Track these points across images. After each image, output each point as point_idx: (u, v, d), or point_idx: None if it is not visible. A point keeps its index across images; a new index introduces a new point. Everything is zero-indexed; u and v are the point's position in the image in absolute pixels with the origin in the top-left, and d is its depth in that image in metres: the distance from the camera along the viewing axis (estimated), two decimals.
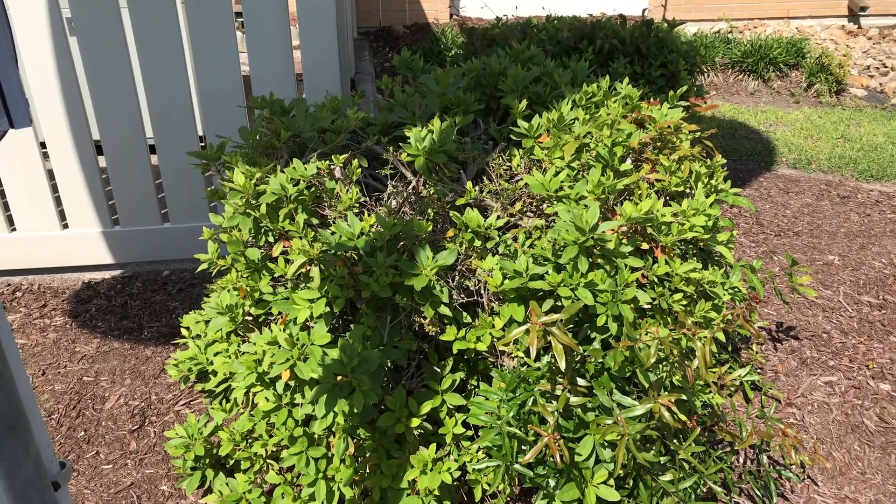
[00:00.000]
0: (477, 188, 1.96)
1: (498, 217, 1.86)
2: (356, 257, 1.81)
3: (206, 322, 2.27)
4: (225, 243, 1.93)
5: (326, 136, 2.17)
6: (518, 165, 2.07)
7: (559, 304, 1.67)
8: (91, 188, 3.08)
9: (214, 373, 2.14)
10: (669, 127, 2.05)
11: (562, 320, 1.52)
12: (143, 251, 3.30)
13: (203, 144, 3.40)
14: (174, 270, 3.32)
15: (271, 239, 1.90)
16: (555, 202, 1.81)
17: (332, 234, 1.78)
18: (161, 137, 3.00)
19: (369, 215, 1.84)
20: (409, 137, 2.09)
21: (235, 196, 1.83)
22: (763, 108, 5.83)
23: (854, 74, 6.62)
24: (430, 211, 1.90)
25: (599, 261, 1.68)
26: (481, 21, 7.35)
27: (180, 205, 3.17)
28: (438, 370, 1.90)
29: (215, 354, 2.16)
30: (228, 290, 1.94)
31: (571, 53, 3.35)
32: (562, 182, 1.85)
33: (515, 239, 1.85)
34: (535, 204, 2.00)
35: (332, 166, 1.98)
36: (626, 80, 2.48)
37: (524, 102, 2.22)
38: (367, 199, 2.08)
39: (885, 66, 6.98)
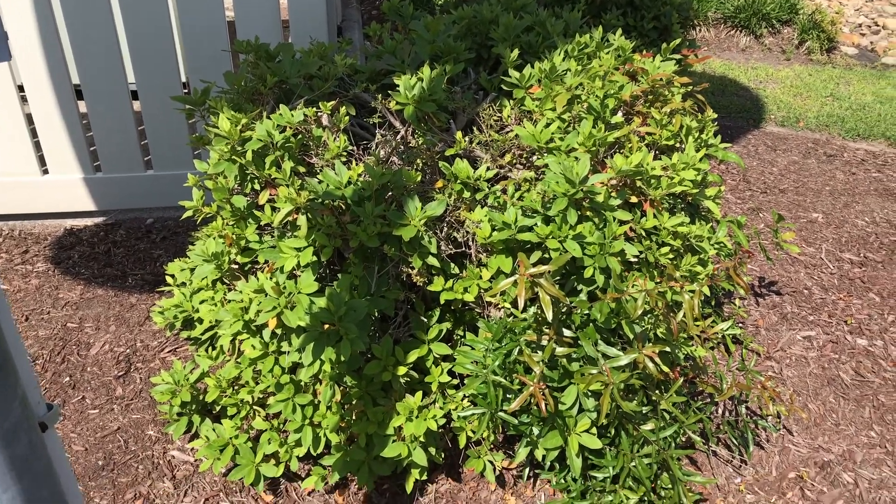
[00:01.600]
0: (467, 139, 1.94)
1: (488, 168, 1.85)
2: (343, 206, 1.80)
3: (192, 270, 2.26)
4: (210, 190, 1.91)
5: (313, 83, 2.13)
6: (509, 116, 2.05)
7: (547, 255, 1.67)
8: (71, 134, 3.02)
9: (200, 320, 2.13)
10: (661, 80, 2.03)
11: (550, 272, 1.53)
12: (126, 198, 3.26)
13: (187, 90, 3.33)
14: (158, 218, 3.28)
15: (257, 187, 1.87)
16: (545, 154, 1.80)
17: (320, 182, 1.76)
18: (143, 82, 2.93)
19: (357, 164, 1.82)
20: (398, 85, 2.05)
21: (220, 142, 1.80)
22: (754, 65, 5.79)
23: (846, 32, 6.58)
24: (418, 161, 1.88)
25: (588, 213, 1.68)
26: None
27: (164, 152, 3.12)
28: (425, 320, 1.91)
29: (201, 302, 2.15)
30: (214, 238, 1.92)
31: (564, 3, 3.29)
32: (552, 134, 1.83)
33: (505, 191, 1.84)
34: (524, 156, 1.98)
35: (319, 113, 1.95)
36: (619, 31, 2.44)
37: (516, 52, 2.18)
38: (355, 147, 2.06)
39: (877, 25, 6.93)
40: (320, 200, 1.73)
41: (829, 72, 5.67)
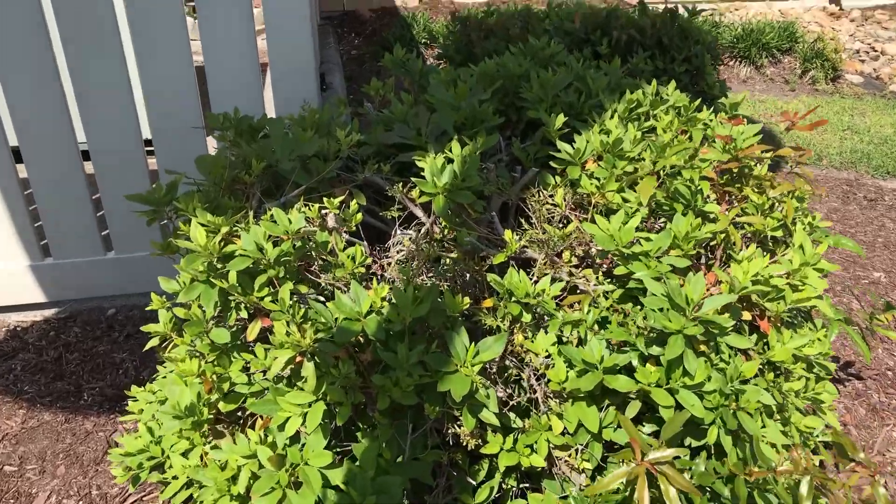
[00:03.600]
0: (517, 236, 1.49)
1: (552, 279, 1.40)
2: (362, 340, 1.34)
3: (161, 402, 1.77)
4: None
5: (311, 163, 1.68)
6: (563, 202, 1.61)
7: (633, 400, 1.23)
8: (11, 209, 2.52)
9: (175, 477, 1.64)
10: (752, 153, 1.61)
11: (674, 458, 1.08)
12: (81, 287, 2.75)
13: (150, 148, 2.85)
14: (121, 308, 2.78)
15: (244, 314, 1.41)
16: (630, 260, 1.36)
17: (329, 306, 1.30)
18: (96, 141, 2.44)
19: (379, 283, 1.37)
20: (414, 164, 1.61)
21: (195, 260, 1.33)
22: (760, 98, 5.47)
23: (845, 59, 6.32)
24: (458, 271, 1.43)
25: (702, 348, 1.24)
26: (454, 4, 6.83)
27: (126, 228, 2.62)
28: (471, 480, 1.44)
29: (172, 447, 1.66)
30: (187, 382, 1.44)
31: (583, 47, 2.89)
32: (633, 233, 1.40)
33: (577, 317, 1.40)
34: (588, 252, 1.55)
35: (323, 212, 1.50)
36: (654, 81, 2.04)
37: (560, 117, 1.76)
38: (369, 247, 1.61)
39: (875, 51, 6.69)
40: (332, 338, 1.27)
41: (840, 102, 5.37)
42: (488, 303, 1.38)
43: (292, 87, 2.41)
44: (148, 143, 2.55)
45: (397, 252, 1.64)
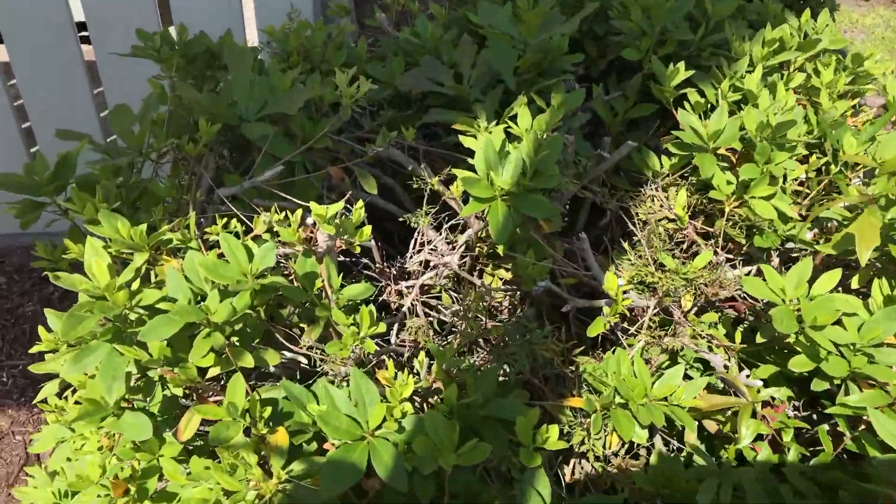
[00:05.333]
0: (620, 281, 0.93)
1: (671, 354, 0.86)
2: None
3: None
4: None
5: (294, 123, 1.08)
6: (683, 212, 1.04)
7: None
8: None
9: None
10: None
11: None
12: None
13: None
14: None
15: (177, 390, 0.86)
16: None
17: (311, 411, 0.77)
18: None
19: (406, 374, 0.82)
20: (452, 132, 1.04)
21: (88, 320, 0.77)
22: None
23: None
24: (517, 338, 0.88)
25: None
26: None
27: None
28: None
29: None
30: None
31: None
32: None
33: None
34: (713, 292, 0.99)
35: (308, 221, 0.92)
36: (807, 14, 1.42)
37: (681, 68, 1.15)
38: (377, 252, 1.05)
39: None
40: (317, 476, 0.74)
41: None
42: (577, 402, 0.84)
43: None
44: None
45: (421, 266, 1.08)
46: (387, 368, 0.81)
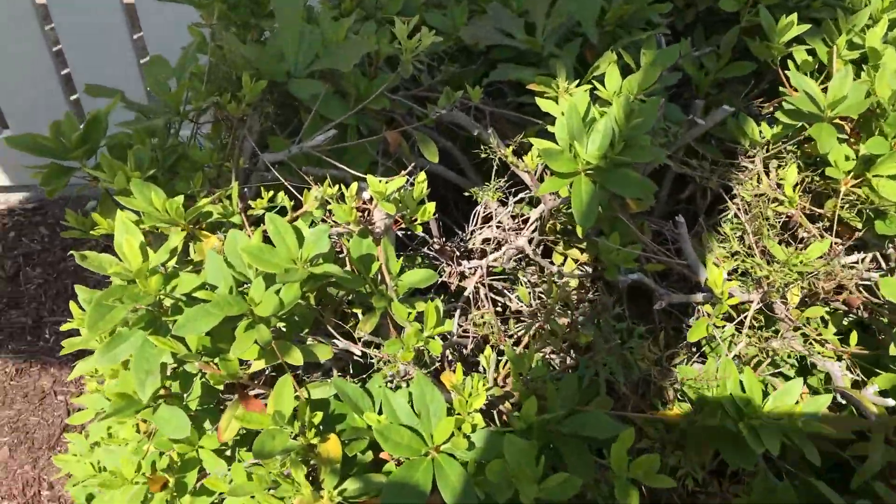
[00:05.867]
0: (724, 269, 0.80)
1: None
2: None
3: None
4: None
5: (347, 81, 0.96)
6: (794, 193, 0.90)
7: None
8: None
9: None
10: None
11: None
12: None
13: None
14: None
15: (218, 384, 0.77)
16: None
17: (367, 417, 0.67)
18: None
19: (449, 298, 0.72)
20: (527, 98, 0.91)
21: (118, 309, 0.68)
22: None
23: None
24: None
25: None
26: None
27: None
28: None
29: None
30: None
31: None
32: None
33: None
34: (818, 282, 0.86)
35: (364, 196, 0.81)
36: None
37: (793, 21, 0.99)
38: (437, 226, 0.94)
39: None
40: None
41: None
42: (674, 416, 0.73)
43: None
44: None
45: (486, 247, 0.97)
46: (454, 370, 0.71)
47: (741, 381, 0.71)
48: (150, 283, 0.67)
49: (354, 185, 0.78)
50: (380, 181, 0.76)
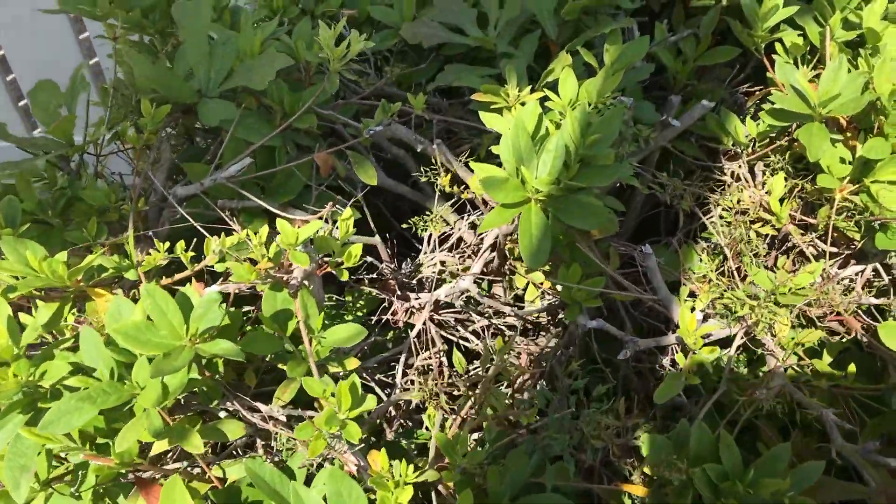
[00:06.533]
0: (698, 314, 0.69)
1: None
2: None
3: None
4: None
5: (270, 94, 0.84)
6: (782, 210, 0.78)
7: None
8: None
9: None
10: None
11: None
12: None
13: None
14: None
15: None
16: None
17: None
18: None
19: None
20: (466, 94, 0.79)
21: None
22: None
23: None
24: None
25: None
26: None
27: None
28: None
29: None
30: None
31: None
32: None
33: None
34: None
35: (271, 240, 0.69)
36: None
37: (778, 4, 0.87)
38: (383, 248, 0.83)
39: None
40: None
41: None
42: (637, 490, 0.62)
43: None
44: None
45: (441, 275, 0.86)
46: (382, 447, 0.61)
47: (717, 448, 0.60)
48: (13, 370, 0.57)
49: (264, 229, 0.67)
50: (294, 224, 0.65)
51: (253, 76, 0.78)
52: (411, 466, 0.58)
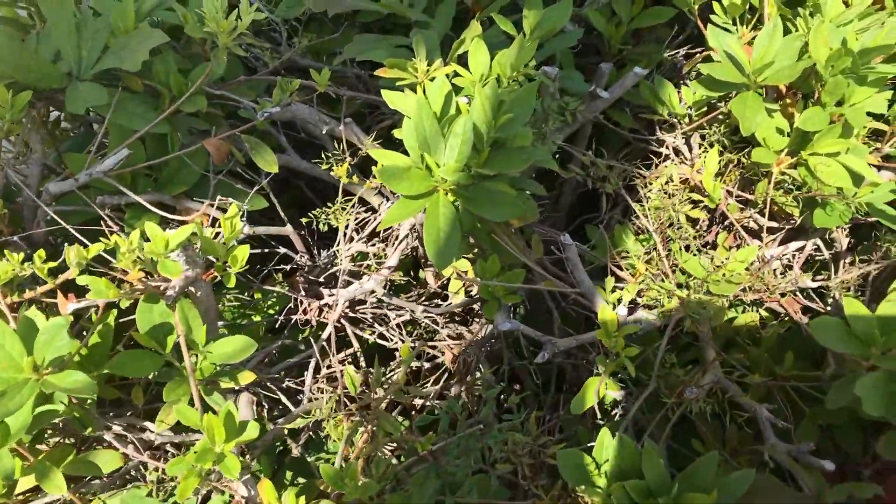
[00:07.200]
0: (621, 309, 0.63)
1: None
2: None
3: None
4: None
5: (156, 77, 0.75)
6: (715, 188, 0.72)
7: None
8: None
9: None
10: None
11: None
12: None
13: None
14: None
15: None
16: None
17: None
18: None
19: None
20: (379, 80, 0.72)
21: None
22: None
23: None
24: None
25: None
26: None
27: None
28: None
29: None
30: None
31: None
32: None
33: None
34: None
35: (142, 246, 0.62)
36: None
37: None
38: (297, 239, 0.77)
39: None
40: None
41: None
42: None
43: None
44: None
45: (357, 266, 0.79)
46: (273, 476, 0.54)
47: (639, 459, 0.55)
48: None
49: (135, 235, 0.59)
50: (161, 230, 0.57)
51: (124, 56, 0.69)
52: (302, 499, 0.52)
